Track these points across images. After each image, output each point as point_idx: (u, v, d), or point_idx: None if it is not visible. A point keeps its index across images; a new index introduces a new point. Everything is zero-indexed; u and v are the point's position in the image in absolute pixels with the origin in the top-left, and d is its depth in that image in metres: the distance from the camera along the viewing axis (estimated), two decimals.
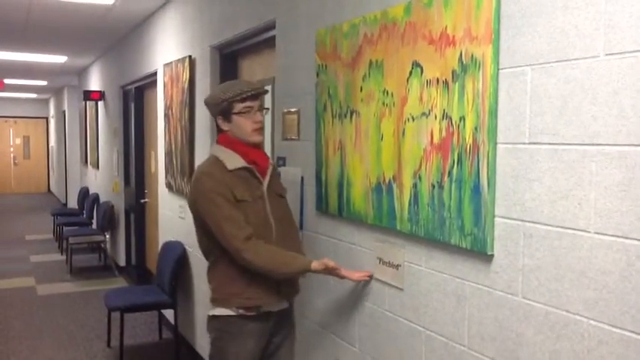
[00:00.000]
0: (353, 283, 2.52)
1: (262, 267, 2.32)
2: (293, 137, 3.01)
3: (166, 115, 5.18)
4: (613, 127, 1.43)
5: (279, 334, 2.57)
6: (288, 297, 2.56)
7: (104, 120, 8.53)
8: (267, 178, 2.47)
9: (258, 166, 2.46)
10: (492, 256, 1.80)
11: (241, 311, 2.41)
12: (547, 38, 1.60)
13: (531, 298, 1.67)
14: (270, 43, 3.34)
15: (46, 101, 17.87)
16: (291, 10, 3.01)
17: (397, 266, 2.24)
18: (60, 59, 8.91)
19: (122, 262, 7.52)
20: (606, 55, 1.44)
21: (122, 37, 7.08)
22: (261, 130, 2.45)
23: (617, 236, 1.43)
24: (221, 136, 2.51)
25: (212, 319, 2.49)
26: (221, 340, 2.46)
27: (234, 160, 2.41)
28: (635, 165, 1.39)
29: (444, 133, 1.95)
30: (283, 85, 3.13)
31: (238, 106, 2.39)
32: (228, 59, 4.13)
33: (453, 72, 1.90)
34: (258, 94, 2.45)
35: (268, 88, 3.50)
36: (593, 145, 1.48)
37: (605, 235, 1.46)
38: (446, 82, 1.93)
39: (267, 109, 2.62)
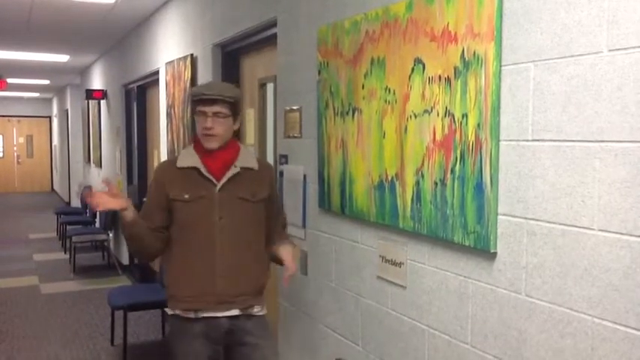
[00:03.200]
0: (356, 281, 2.52)
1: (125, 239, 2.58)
2: (295, 135, 3.00)
3: (169, 114, 5.18)
4: (617, 123, 1.42)
5: (244, 344, 2.45)
6: (227, 301, 2.40)
7: (107, 119, 8.54)
8: (224, 180, 2.41)
9: (210, 168, 2.42)
10: (495, 253, 1.79)
11: (178, 312, 2.44)
12: (550, 34, 1.59)
13: (535, 295, 1.67)
14: (272, 40, 3.33)
15: (49, 100, 17.89)
16: (293, 7, 3.01)
17: (400, 264, 2.24)
18: (62, 58, 8.91)
19: (125, 261, 7.53)
20: (609, 50, 1.43)
21: (124, 36, 7.08)
22: (209, 137, 2.38)
23: (621, 233, 1.42)
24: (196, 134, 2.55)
25: (168, 317, 2.55)
26: (171, 336, 2.52)
27: (186, 159, 2.46)
28: (639, 161, 1.38)
29: (446, 131, 1.94)
30: (285, 82, 3.13)
31: (195, 109, 2.42)
32: (230, 57, 4.13)
33: (455, 69, 1.89)
34: (209, 100, 2.35)
35: (270, 85, 3.50)
36: (596, 141, 1.47)
37: (609, 232, 1.45)
38: (448, 79, 1.92)
39: (221, 113, 2.38)
